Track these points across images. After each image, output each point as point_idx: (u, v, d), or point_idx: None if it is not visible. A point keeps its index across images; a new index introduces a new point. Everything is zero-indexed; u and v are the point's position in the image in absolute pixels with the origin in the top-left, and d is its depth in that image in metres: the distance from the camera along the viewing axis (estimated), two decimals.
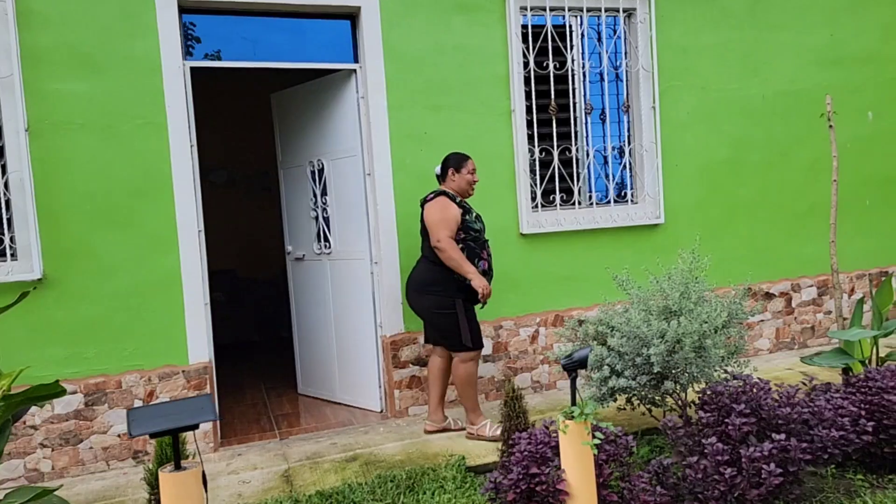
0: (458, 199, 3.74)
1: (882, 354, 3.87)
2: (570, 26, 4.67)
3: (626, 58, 4.85)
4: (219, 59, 4.11)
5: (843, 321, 4.14)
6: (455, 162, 3.79)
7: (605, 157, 4.85)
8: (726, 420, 2.85)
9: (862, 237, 5.40)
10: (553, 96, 4.61)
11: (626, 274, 3.57)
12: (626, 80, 4.89)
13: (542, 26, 4.58)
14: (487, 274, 3.76)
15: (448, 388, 4.04)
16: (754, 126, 5.11)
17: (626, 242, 4.77)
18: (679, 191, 4.90)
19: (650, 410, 3.53)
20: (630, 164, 4.90)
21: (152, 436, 1.97)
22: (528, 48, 4.53)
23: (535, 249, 4.56)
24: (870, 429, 2.92)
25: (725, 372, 3.30)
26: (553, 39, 4.59)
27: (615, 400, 3.41)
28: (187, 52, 4.03)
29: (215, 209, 7.17)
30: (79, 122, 3.64)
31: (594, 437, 2.57)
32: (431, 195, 3.74)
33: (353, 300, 4.45)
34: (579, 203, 4.75)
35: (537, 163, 4.60)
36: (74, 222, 3.64)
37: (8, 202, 3.57)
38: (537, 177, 4.61)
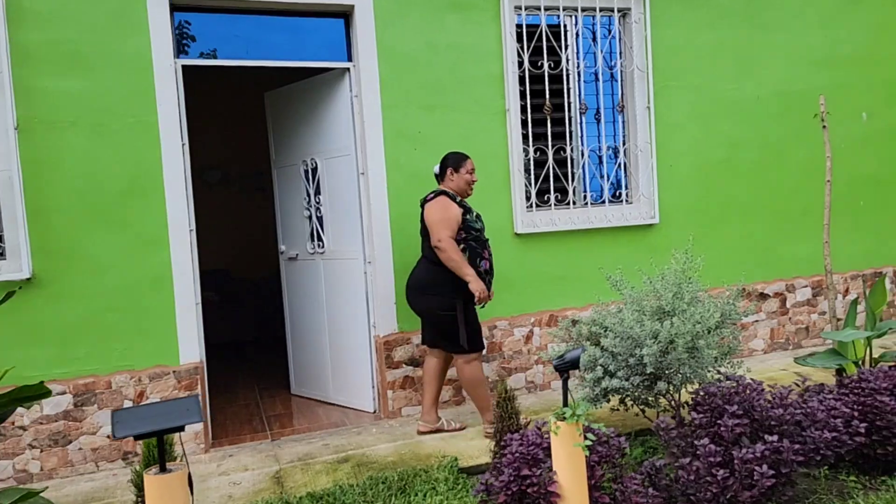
0: (459, 199, 3.72)
1: (876, 355, 3.86)
2: (565, 26, 4.66)
3: (620, 58, 4.84)
4: (211, 57, 4.09)
5: (837, 322, 4.14)
6: (454, 161, 3.77)
7: (600, 157, 4.84)
8: (719, 421, 2.83)
9: (856, 238, 5.40)
10: (548, 96, 4.60)
11: (619, 274, 3.56)
12: (621, 80, 4.87)
13: (537, 26, 4.56)
14: (489, 273, 3.75)
15: (442, 389, 4.03)
16: (749, 126, 5.11)
17: (620, 242, 4.76)
18: (674, 191, 4.89)
19: (644, 411, 3.51)
20: (625, 164, 4.89)
21: (137, 438, 1.95)
22: (522, 47, 4.51)
23: (529, 249, 4.54)
24: (862, 430, 2.91)
25: (718, 373, 3.29)
26: (548, 39, 4.57)
27: (608, 401, 3.40)
28: (180, 51, 4.00)
29: (209, 209, 7.16)
30: (69, 121, 3.61)
31: (586, 438, 2.55)
32: (431, 195, 3.71)
33: (347, 300, 4.42)
34: (574, 203, 4.74)
35: (532, 162, 4.59)
36: (64, 221, 3.61)
37: None
38: (532, 176, 4.59)
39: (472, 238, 3.68)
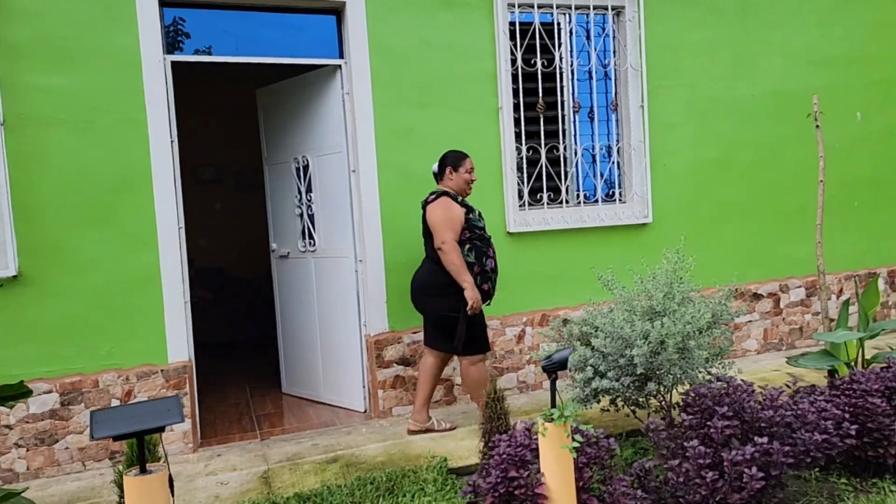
0: (460, 199, 3.69)
1: (868, 356, 3.84)
2: (559, 24, 4.63)
3: (614, 56, 4.81)
4: (202, 53, 4.06)
5: (830, 323, 4.12)
6: (453, 160, 3.74)
7: (594, 156, 4.82)
8: (709, 423, 2.81)
9: (850, 238, 5.39)
10: (541, 94, 4.57)
11: (611, 274, 3.53)
12: (615, 79, 4.85)
13: (530, 23, 4.53)
14: (494, 272, 3.73)
15: (435, 388, 4.00)
16: (743, 126, 5.08)
17: (613, 242, 4.74)
18: (667, 190, 4.87)
19: (634, 412, 3.49)
20: (618, 163, 4.86)
21: (116, 439, 1.92)
22: (515, 45, 4.48)
23: (522, 248, 4.51)
24: (853, 432, 2.89)
25: (709, 374, 3.27)
26: (541, 37, 4.55)
27: (599, 401, 3.38)
28: (170, 47, 3.97)
29: (202, 206, 7.12)
30: (56, 117, 3.58)
31: (574, 439, 2.53)
32: (433, 196, 3.68)
33: (338, 299, 4.40)
34: (567, 202, 4.71)
35: (525, 161, 4.56)
36: (51, 219, 3.57)
37: None
38: (525, 175, 4.56)
39: (476, 237, 3.65)
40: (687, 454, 2.73)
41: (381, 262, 4.18)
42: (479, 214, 3.75)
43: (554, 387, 2.64)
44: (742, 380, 3.06)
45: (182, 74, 4.75)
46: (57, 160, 3.58)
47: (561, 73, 4.64)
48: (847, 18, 5.35)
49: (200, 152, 7.13)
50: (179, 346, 3.78)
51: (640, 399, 3.33)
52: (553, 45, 4.59)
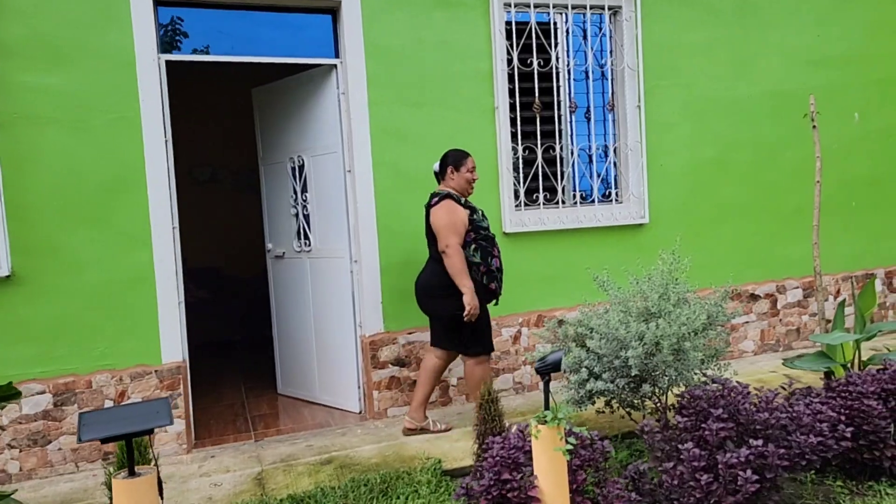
0: (463, 200, 3.67)
1: (865, 358, 3.82)
2: (555, 23, 4.62)
3: (611, 56, 4.80)
4: (200, 53, 4.04)
5: (826, 324, 4.10)
6: (454, 160, 3.71)
7: (590, 156, 4.80)
8: (703, 425, 2.79)
9: (848, 239, 5.37)
10: (537, 94, 4.56)
11: (606, 275, 3.52)
12: (612, 79, 4.83)
13: (527, 23, 4.52)
14: (500, 271, 3.72)
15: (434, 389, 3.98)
16: (741, 126, 5.07)
17: (610, 242, 4.72)
18: (664, 191, 4.85)
19: (630, 414, 3.48)
20: (615, 163, 4.85)
21: (103, 441, 1.90)
22: (511, 45, 4.47)
23: (518, 249, 4.50)
24: (849, 434, 2.87)
25: (704, 375, 3.25)
26: (537, 36, 4.53)
27: (594, 403, 3.36)
28: (168, 46, 3.95)
29: (199, 206, 7.09)
30: (50, 116, 3.56)
31: (567, 442, 2.51)
32: (436, 199, 3.64)
33: (333, 299, 4.38)
34: (563, 202, 4.70)
35: (521, 161, 4.54)
36: (44, 218, 3.55)
37: None
38: (521, 175, 4.55)
39: (480, 237, 3.64)
40: (681, 456, 2.71)
41: (377, 263, 4.16)
42: (483, 214, 3.74)
43: (547, 389, 2.62)
44: (737, 381, 3.04)
45: (180, 74, 4.73)
46: (50, 159, 3.56)
47: (557, 73, 4.62)
48: (845, 18, 5.33)
49: (198, 152, 7.11)
50: (173, 346, 3.77)
51: (636, 401, 3.32)
52: (549, 45, 4.58)
